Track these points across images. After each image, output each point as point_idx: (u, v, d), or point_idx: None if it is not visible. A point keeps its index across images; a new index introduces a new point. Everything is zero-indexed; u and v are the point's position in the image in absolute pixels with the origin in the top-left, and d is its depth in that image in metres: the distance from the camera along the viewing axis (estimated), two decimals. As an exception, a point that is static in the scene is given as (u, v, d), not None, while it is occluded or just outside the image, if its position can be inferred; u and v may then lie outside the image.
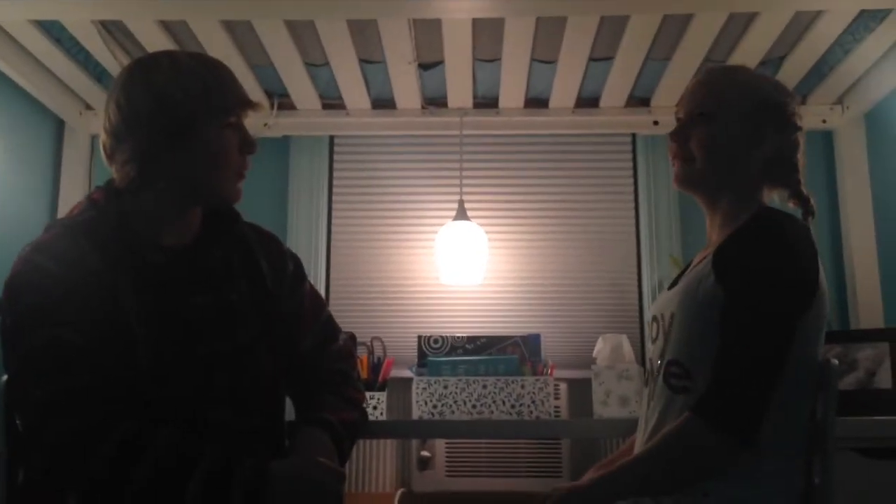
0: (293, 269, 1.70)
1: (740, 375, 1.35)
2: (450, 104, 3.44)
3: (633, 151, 3.66)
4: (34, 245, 1.41)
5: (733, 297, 1.41)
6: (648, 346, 1.65)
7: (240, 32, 2.87)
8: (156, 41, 2.82)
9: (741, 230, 1.48)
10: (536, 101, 3.44)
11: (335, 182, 3.69)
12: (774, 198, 1.63)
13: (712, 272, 1.45)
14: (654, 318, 1.61)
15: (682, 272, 1.67)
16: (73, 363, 1.31)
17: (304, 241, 3.53)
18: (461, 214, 3.30)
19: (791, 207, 1.61)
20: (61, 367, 1.31)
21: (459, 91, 3.31)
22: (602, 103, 3.41)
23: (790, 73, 3.12)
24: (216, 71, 1.51)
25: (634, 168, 3.66)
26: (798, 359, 1.40)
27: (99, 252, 1.40)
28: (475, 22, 2.77)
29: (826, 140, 3.54)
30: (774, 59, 3.07)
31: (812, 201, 1.59)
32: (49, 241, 1.41)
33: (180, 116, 1.43)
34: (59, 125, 3.49)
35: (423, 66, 3.15)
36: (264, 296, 1.58)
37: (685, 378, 1.46)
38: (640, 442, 1.61)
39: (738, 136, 1.55)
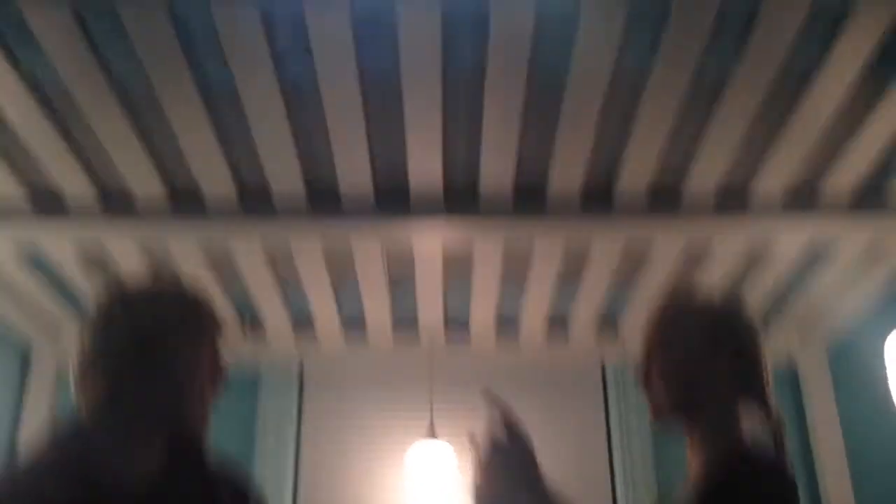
0: None
1: None
2: (420, 324, 3.46)
3: (604, 381, 3.66)
4: None
5: None
6: None
7: (216, 255, 2.94)
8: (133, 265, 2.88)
9: (713, 483, 1.42)
10: (507, 321, 3.47)
11: (304, 415, 3.66)
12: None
13: None
14: None
15: None
16: None
17: (271, 474, 3.44)
18: (431, 433, 3.27)
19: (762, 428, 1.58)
20: None
21: (430, 311, 3.35)
22: (571, 328, 3.45)
23: (751, 307, 3.19)
24: (194, 300, 1.54)
25: (605, 401, 3.65)
26: None
27: (57, 493, 1.35)
28: (445, 246, 2.85)
29: (793, 376, 3.56)
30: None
31: (781, 416, 1.55)
32: (3, 484, 1.37)
33: (154, 343, 1.44)
34: (26, 352, 3.46)
35: (395, 286, 3.20)
36: None
37: None
38: None
39: (692, 359, 1.56)
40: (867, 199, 2.62)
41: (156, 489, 1.46)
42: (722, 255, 2.89)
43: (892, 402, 2.69)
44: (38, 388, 3.44)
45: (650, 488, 3.34)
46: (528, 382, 3.67)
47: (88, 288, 3.01)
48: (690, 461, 1.57)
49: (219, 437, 1.60)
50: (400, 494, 3.42)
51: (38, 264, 3.00)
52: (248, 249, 2.84)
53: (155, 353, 1.43)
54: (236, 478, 1.62)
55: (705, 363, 1.55)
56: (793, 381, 3.56)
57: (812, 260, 2.98)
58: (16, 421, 3.38)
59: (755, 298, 3.16)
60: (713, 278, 3.02)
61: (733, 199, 2.63)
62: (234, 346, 3.34)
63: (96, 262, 2.94)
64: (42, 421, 3.34)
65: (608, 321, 3.48)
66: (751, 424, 1.50)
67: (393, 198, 2.63)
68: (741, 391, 1.54)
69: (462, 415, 3.57)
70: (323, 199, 2.63)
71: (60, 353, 3.45)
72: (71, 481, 1.36)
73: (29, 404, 3.41)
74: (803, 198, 2.63)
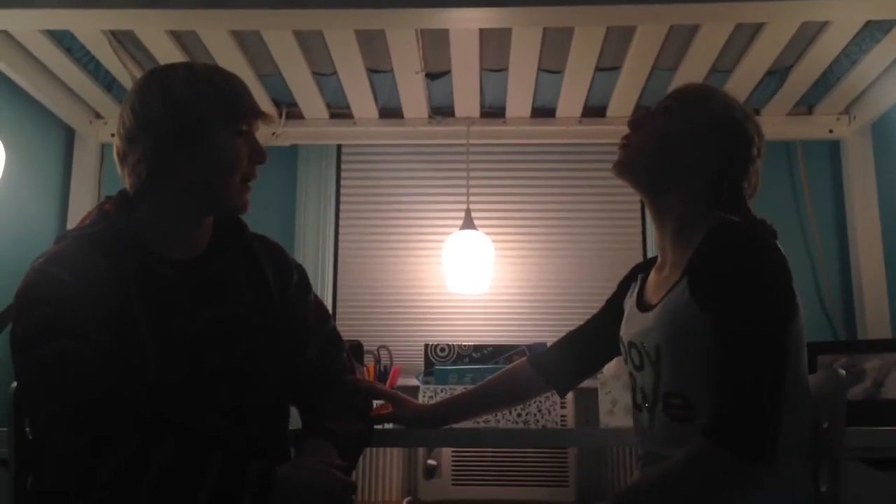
0: (298, 280, 1.71)
1: (748, 394, 1.32)
2: (457, 113, 3.45)
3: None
4: (47, 256, 1.42)
5: (723, 318, 1.38)
6: (629, 369, 1.64)
7: (249, 42, 2.89)
8: (166, 51, 2.84)
9: (709, 247, 1.46)
10: (543, 111, 3.45)
11: (343, 191, 3.71)
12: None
13: (692, 300, 1.43)
14: (633, 345, 1.59)
15: (641, 289, 1.68)
16: (82, 376, 1.33)
17: (311, 250, 3.54)
18: (468, 223, 3.31)
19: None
20: (71, 381, 1.32)
21: (466, 100, 3.33)
22: (609, 113, 3.41)
23: (797, 83, 3.12)
24: (231, 80, 1.55)
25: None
26: (792, 368, 1.39)
27: (110, 264, 1.41)
28: (482, 32, 2.78)
29: (833, 150, 3.55)
30: (781, 70, 3.08)
31: (769, 223, 1.55)
32: (61, 252, 1.43)
33: (193, 120, 1.47)
34: (69, 134, 3.52)
35: (431, 76, 3.16)
36: (270, 307, 1.59)
37: (688, 408, 1.46)
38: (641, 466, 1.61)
39: (689, 138, 1.55)
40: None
41: (202, 259, 1.54)
42: (771, 38, 2.78)
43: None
44: (83, 167, 3.52)
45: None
46: (564, 164, 3.69)
47: (125, 72, 3.00)
48: (662, 252, 1.63)
49: (260, 212, 1.65)
50: (437, 283, 3.53)
51: (75, 49, 2.98)
52: (281, 38, 2.79)
53: (193, 134, 1.47)
54: (277, 252, 1.71)
55: (693, 150, 1.55)
56: (834, 155, 3.56)
57: (864, 38, 2.86)
58: (64, 200, 3.48)
59: (803, 76, 3.08)
60: (760, 59, 2.93)
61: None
62: (272, 133, 3.36)
63: (130, 47, 2.91)
64: (88, 199, 3.45)
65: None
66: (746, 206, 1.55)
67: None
68: (718, 197, 1.55)
69: (499, 204, 3.65)
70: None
71: (104, 132, 3.50)
72: (121, 247, 1.44)
73: (75, 183, 3.51)
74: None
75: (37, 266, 1.41)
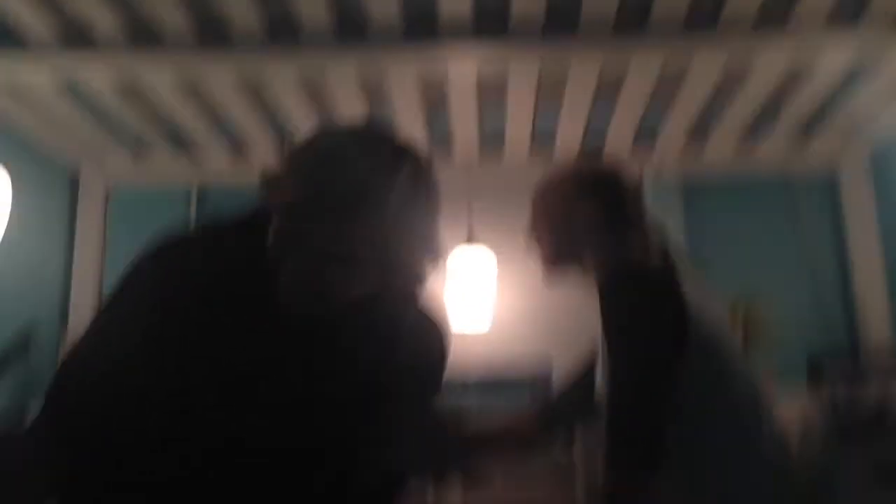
0: None
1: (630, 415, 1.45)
2: (456, 146, 3.47)
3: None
4: None
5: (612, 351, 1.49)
6: None
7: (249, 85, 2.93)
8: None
9: (603, 293, 1.56)
10: (543, 140, 3.44)
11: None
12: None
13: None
14: None
15: None
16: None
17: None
18: (470, 238, 3.33)
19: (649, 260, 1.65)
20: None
21: (465, 133, 3.35)
22: (607, 144, 3.41)
23: (794, 115, 3.17)
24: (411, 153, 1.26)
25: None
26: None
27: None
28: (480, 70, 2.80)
29: (832, 185, 3.58)
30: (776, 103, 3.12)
31: (663, 235, 1.65)
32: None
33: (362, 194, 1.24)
34: (74, 178, 3.55)
35: (430, 112, 3.19)
36: None
37: None
38: None
39: (569, 213, 1.67)
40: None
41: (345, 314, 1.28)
42: (762, 73, 2.82)
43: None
44: (87, 213, 3.54)
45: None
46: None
47: (127, 117, 3.05)
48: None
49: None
50: (441, 296, 3.50)
51: (78, 96, 3.02)
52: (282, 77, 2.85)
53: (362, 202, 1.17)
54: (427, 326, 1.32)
55: (580, 214, 1.66)
56: (833, 189, 3.58)
57: (855, 74, 2.89)
58: (69, 244, 3.52)
59: (796, 109, 3.11)
60: (753, 94, 2.97)
61: (775, 16, 2.53)
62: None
63: (132, 93, 2.97)
64: (93, 245, 3.49)
65: (644, 136, 3.42)
66: (629, 251, 1.62)
67: (422, 24, 2.57)
68: (613, 231, 1.65)
69: (501, 221, 3.64)
70: (352, 28, 2.59)
71: (107, 178, 3.53)
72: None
73: (80, 229, 3.53)
74: (847, 14, 2.53)
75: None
